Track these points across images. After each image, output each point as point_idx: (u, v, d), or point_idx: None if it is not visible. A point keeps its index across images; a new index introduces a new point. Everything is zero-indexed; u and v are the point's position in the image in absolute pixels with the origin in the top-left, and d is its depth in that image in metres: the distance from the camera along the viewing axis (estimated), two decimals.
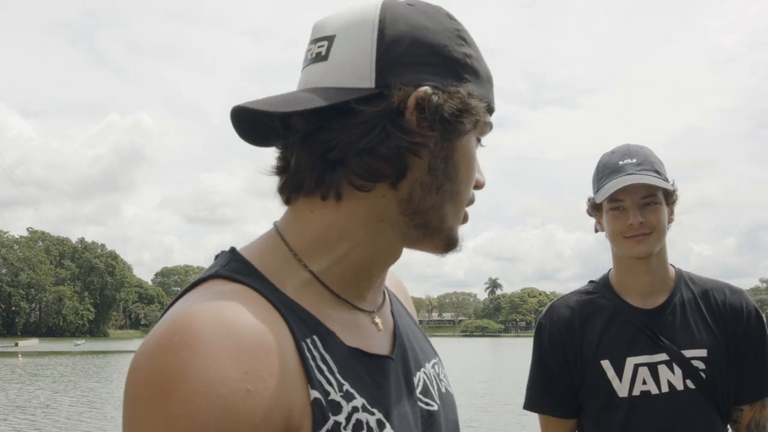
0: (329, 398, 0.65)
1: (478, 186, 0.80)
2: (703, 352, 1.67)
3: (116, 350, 66.18)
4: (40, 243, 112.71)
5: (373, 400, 0.69)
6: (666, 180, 1.70)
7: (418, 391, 0.79)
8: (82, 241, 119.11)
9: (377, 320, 0.79)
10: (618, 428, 1.67)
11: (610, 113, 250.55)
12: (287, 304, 0.67)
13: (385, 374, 0.74)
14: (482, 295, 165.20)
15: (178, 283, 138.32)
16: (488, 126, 0.78)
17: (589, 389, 1.72)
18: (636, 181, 1.64)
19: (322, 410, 0.64)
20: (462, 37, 0.75)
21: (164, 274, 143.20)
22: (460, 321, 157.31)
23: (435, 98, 0.70)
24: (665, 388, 1.66)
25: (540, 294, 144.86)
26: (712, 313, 1.74)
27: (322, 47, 0.74)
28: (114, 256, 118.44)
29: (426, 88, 0.70)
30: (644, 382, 1.67)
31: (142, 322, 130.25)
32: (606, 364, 1.70)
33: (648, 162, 1.70)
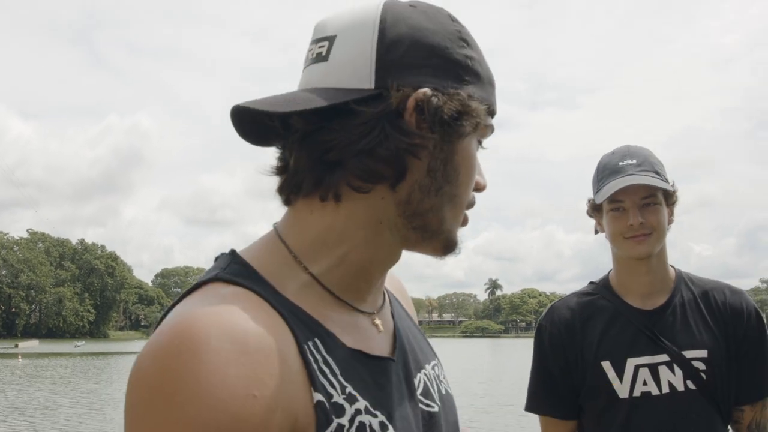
0: (332, 401, 0.65)
1: (479, 188, 0.79)
2: (703, 353, 1.67)
3: (116, 351, 66.21)
4: (40, 244, 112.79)
5: (376, 402, 0.70)
6: (666, 181, 1.70)
7: (418, 392, 0.79)
8: (82, 242, 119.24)
9: (377, 322, 0.79)
10: (618, 429, 1.67)
11: (610, 113, 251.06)
12: (288, 307, 0.67)
13: (386, 376, 0.74)
14: (482, 295, 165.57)
15: (178, 284, 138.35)
16: (489, 128, 0.78)
17: (589, 390, 1.72)
18: (636, 181, 1.64)
19: (325, 413, 0.64)
20: (463, 39, 0.75)
21: (164, 276, 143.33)
22: (460, 322, 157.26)
23: (434, 100, 0.70)
24: (666, 389, 1.66)
25: (540, 295, 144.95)
26: (713, 313, 1.74)
27: (322, 48, 0.74)
28: (114, 258, 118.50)
29: (425, 90, 0.70)
30: (645, 383, 1.67)
31: (142, 324, 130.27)
32: (607, 365, 1.70)
33: (648, 163, 1.70)
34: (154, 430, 0.57)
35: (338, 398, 0.66)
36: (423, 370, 0.83)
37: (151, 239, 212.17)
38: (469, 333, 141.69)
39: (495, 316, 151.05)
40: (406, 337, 0.83)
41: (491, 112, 0.77)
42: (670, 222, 1.74)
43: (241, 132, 0.74)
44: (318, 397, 0.64)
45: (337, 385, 0.67)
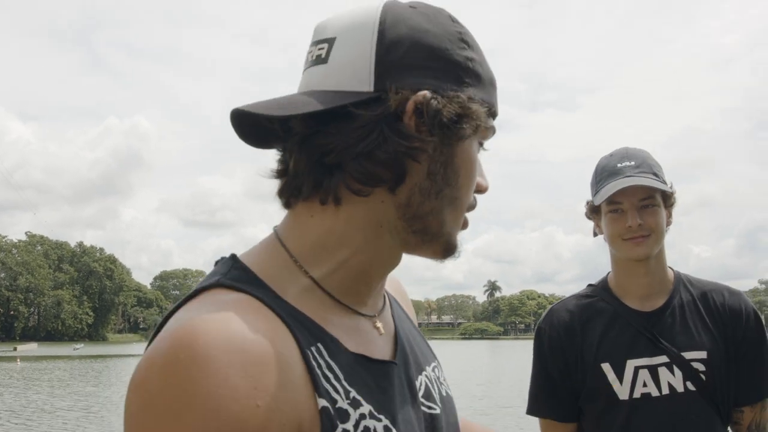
0: (337, 406, 0.65)
1: (481, 190, 0.79)
2: (702, 354, 1.68)
3: (115, 354, 66.14)
4: (39, 247, 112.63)
5: (380, 406, 0.69)
6: (664, 182, 1.70)
7: (420, 394, 0.79)
8: (80, 245, 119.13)
9: (378, 325, 0.79)
10: (618, 431, 1.67)
11: (609, 113, 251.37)
12: (290, 312, 0.67)
13: (389, 379, 0.74)
14: (481, 297, 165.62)
15: (176, 287, 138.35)
16: (490, 130, 0.77)
17: (589, 392, 1.73)
18: (634, 183, 1.65)
19: (330, 419, 0.64)
20: (464, 40, 0.74)
21: (163, 278, 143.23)
22: (459, 324, 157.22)
23: (434, 103, 0.69)
24: (666, 390, 1.66)
25: (539, 296, 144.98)
26: (711, 314, 1.74)
27: (322, 50, 0.74)
28: (113, 260, 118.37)
29: (425, 92, 0.69)
30: (645, 385, 1.67)
31: (141, 326, 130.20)
32: (606, 367, 1.70)
33: (646, 165, 1.71)
34: None
35: (342, 403, 0.66)
36: (424, 372, 0.83)
37: (149, 241, 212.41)
38: (468, 335, 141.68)
39: (494, 317, 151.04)
40: (407, 340, 0.83)
41: (492, 114, 0.77)
42: (669, 224, 1.75)
43: (241, 134, 0.74)
44: (322, 402, 0.64)
45: (341, 390, 0.66)
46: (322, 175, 0.70)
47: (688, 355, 1.68)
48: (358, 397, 0.67)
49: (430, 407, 0.79)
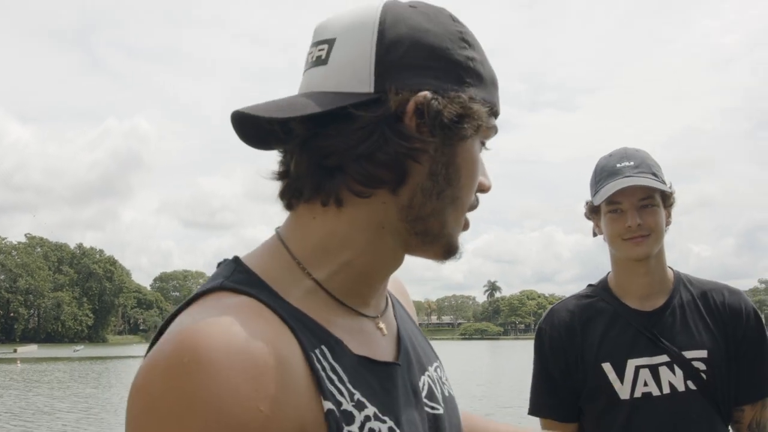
0: (342, 408, 0.65)
1: (483, 189, 0.79)
2: (703, 353, 1.68)
3: (115, 356, 66.14)
4: (39, 249, 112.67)
5: (384, 407, 0.69)
6: (663, 182, 1.71)
7: (423, 395, 0.79)
8: (80, 246, 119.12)
9: (381, 325, 0.79)
10: (619, 430, 1.67)
11: (609, 114, 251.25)
12: (294, 315, 0.67)
13: (392, 381, 0.74)
14: (481, 297, 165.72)
15: (176, 288, 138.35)
16: (492, 129, 0.77)
17: (590, 392, 1.73)
18: (634, 183, 1.65)
19: (336, 421, 0.64)
20: (465, 40, 0.74)
21: (163, 279, 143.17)
22: (459, 324, 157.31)
23: (435, 103, 0.69)
24: (666, 390, 1.66)
25: (539, 296, 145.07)
26: (712, 314, 1.74)
27: (322, 51, 0.73)
28: (112, 262, 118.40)
29: (425, 93, 0.69)
30: (645, 384, 1.67)
31: (141, 328, 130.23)
32: (607, 366, 1.70)
33: (645, 165, 1.71)
34: None
35: (347, 406, 0.66)
36: (426, 373, 0.83)
37: (149, 243, 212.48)
38: (468, 335, 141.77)
39: (494, 318, 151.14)
40: (410, 340, 0.83)
41: (494, 113, 0.76)
42: (668, 223, 1.75)
43: (242, 136, 0.74)
44: (328, 405, 0.64)
45: (346, 393, 0.66)
46: (323, 177, 0.70)
47: (688, 354, 1.68)
48: (363, 399, 0.68)
49: (433, 408, 0.80)
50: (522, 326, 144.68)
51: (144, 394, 0.59)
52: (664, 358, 1.68)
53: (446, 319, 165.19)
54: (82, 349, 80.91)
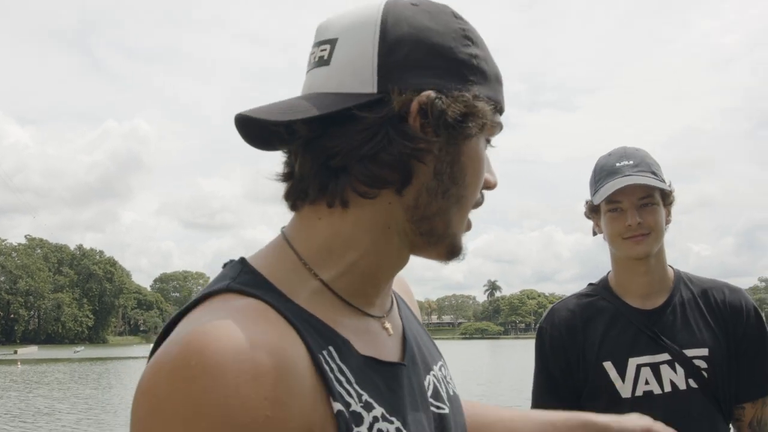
0: (351, 409, 0.65)
1: (489, 186, 0.79)
2: (704, 351, 1.68)
3: (115, 357, 66.12)
4: (39, 250, 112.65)
5: (391, 408, 0.70)
6: (663, 181, 1.71)
7: (428, 394, 0.79)
8: (80, 247, 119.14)
9: (387, 325, 0.79)
10: None
11: (609, 114, 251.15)
12: (301, 315, 0.67)
13: (398, 381, 0.74)
14: (481, 297, 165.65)
15: (176, 289, 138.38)
16: (497, 127, 0.76)
17: (591, 391, 1.73)
18: (633, 182, 1.66)
19: (345, 422, 0.64)
20: (468, 37, 0.74)
21: (163, 280, 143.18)
22: (460, 323, 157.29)
23: (438, 103, 0.69)
24: (668, 388, 1.66)
25: (539, 296, 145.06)
26: (712, 312, 1.75)
27: (324, 51, 0.73)
28: (112, 263, 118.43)
29: (429, 93, 0.69)
30: (647, 383, 1.67)
31: (141, 328, 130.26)
32: (608, 365, 1.71)
33: (645, 163, 1.71)
34: None
35: (356, 407, 0.66)
36: (432, 372, 0.83)
37: (149, 244, 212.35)
38: (468, 335, 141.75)
39: (494, 317, 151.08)
40: (415, 340, 0.83)
41: (499, 110, 0.76)
42: (668, 222, 1.75)
43: (246, 137, 0.73)
44: (337, 406, 0.64)
45: (354, 394, 0.67)
46: (327, 178, 0.70)
47: (689, 352, 1.68)
48: (371, 400, 0.68)
49: (438, 407, 0.80)
50: (522, 325, 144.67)
51: (150, 396, 0.59)
52: (666, 356, 1.68)
53: (447, 318, 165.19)
54: (82, 350, 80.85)
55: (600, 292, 1.81)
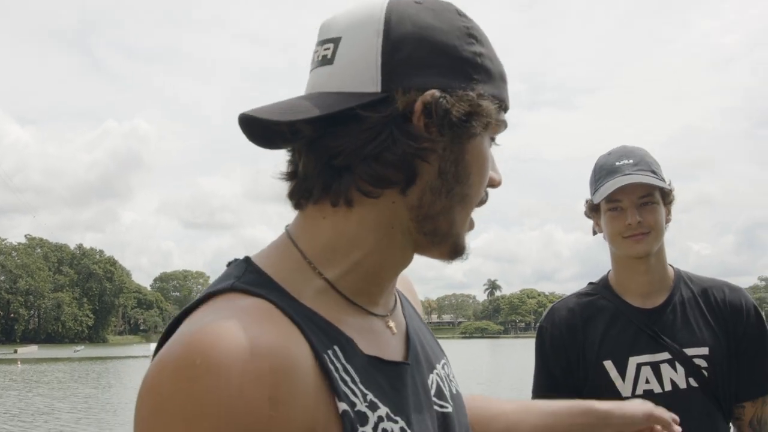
0: (356, 409, 0.65)
1: (494, 185, 0.79)
2: (704, 350, 1.69)
3: (115, 356, 66.11)
4: (39, 250, 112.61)
5: (395, 408, 0.70)
6: (663, 180, 1.71)
7: (432, 393, 0.79)
8: (80, 247, 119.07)
9: (391, 324, 0.78)
10: None
11: (609, 113, 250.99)
12: (306, 315, 0.67)
13: (402, 380, 0.74)
14: (481, 296, 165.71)
15: (176, 288, 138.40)
16: (502, 125, 0.76)
17: (591, 390, 1.72)
18: (633, 180, 1.66)
19: (351, 422, 0.64)
20: (472, 35, 0.73)
21: (163, 279, 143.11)
22: (460, 323, 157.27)
23: (443, 102, 0.69)
24: (668, 387, 1.67)
25: (539, 295, 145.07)
26: (712, 311, 1.75)
27: (327, 50, 0.73)
28: (112, 262, 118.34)
29: (433, 92, 0.69)
30: (647, 381, 1.68)
31: (141, 328, 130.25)
32: (609, 364, 1.71)
33: (644, 162, 1.71)
34: None
35: (361, 406, 0.66)
36: (435, 371, 0.83)
37: (149, 243, 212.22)
38: (468, 334, 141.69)
39: (494, 316, 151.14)
40: (418, 338, 0.83)
41: (504, 108, 0.76)
42: (668, 221, 1.75)
43: (249, 136, 0.73)
44: (343, 406, 0.64)
45: (359, 393, 0.67)
46: (331, 178, 0.70)
47: (689, 351, 1.68)
48: (375, 400, 0.68)
49: (442, 406, 0.80)
50: (522, 325, 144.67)
51: (153, 395, 0.59)
52: (666, 355, 1.68)
53: (447, 317, 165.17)
54: (82, 350, 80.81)
55: (600, 291, 1.82)
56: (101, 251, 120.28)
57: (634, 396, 1.67)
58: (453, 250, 0.76)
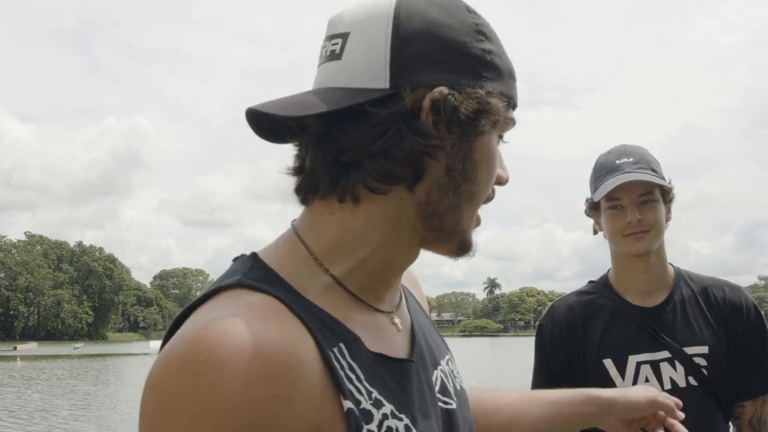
0: (361, 407, 0.65)
1: (501, 182, 0.78)
2: (704, 349, 1.69)
3: (115, 353, 66.12)
4: (38, 247, 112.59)
5: (400, 405, 0.70)
6: (662, 178, 1.71)
7: (436, 389, 0.79)
8: (80, 244, 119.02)
9: (396, 320, 0.78)
10: None
11: (609, 113, 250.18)
12: (312, 311, 0.67)
13: (407, 378, 0.74)
14: (481, 294, 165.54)
15: (176, 286, 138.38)
16: (510, 122, 0.76)
17: None
18: (633, 178, 1.66)
19: (356, 420, 0.64)
20: (481, 32, 0.73)
21: (162, 277, 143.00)
22: (459, 321, 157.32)
23: (451, 99, 0.68)
24: (668, 386, 1.67)
25: (539, 293, 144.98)
26: (712, 309, 1.75)
27: (336, 45, 0.73)
28: (112, 260, 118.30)
29: (442, 89, 0.68)
30: (647, 380, 1.68)
31: (141, 325, 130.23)
32: (608, 363, 1.71)
33: (644, 161, 1.72)
34: None
35: (366, 404, 0.66)
36: (439, 367, 0.83)
37: (149, 241, 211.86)
38: (467, 332, 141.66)
39: (494, 315, 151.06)
40: (423, 335, 0.83)
41: (512, 106, 0.76)
42: (668, 219, 1.76)
43: (256, 130, 0.73)
44: (348, 404, 0.64)
45: (364, 391, 0.66)
46: (339, 174, 0.70)
47: (689, 350, 1.68)
48: (380, 398, 0.68)
49: (446, 402, 0.80)
50: (522, 323, 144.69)
51: (158, 392, 0.59)
52: (665, 354, 1.68)
53: (446, 316, 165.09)
54: (81, 347, 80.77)
55: (600, 290, 1.82)
56: (101, 249, 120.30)
57: None
58: (460, 246, 0.76)
